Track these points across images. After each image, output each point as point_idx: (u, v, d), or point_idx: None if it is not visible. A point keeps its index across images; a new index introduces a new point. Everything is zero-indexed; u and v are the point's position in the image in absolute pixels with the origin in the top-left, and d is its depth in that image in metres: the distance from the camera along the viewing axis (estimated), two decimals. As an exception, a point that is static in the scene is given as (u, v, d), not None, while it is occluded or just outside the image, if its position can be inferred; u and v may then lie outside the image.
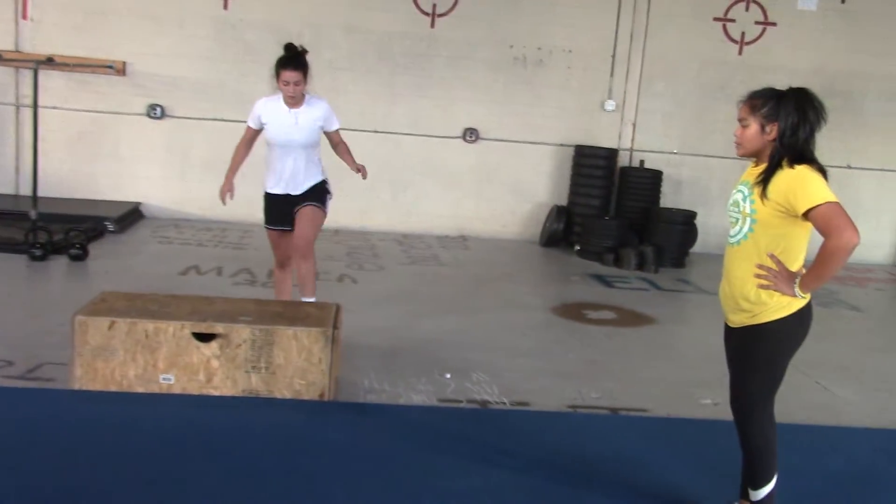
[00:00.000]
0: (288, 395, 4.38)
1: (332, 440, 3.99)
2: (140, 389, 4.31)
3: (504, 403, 4.68)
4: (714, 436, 4.40)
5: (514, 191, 9.66)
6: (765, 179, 3.04)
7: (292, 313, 4.61)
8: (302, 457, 3.77)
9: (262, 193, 5.39)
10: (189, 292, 5.54)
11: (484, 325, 6.18)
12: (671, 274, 8.61)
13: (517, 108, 9.47)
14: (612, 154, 9.41)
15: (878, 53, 9.65)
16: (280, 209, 5.32)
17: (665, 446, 4.23)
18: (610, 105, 9.57)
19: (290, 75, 5.06)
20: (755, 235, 3.11)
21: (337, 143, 5.46)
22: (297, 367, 4.36)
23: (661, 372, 5.48)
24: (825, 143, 10.47)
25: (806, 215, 2.96)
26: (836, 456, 4.29)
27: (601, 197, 9.38)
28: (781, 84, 10.20)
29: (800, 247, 3.13)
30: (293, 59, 5.08)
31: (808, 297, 3.13)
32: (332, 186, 5.52)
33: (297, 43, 5.19)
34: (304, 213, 5.28)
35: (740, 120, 3.20)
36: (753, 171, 3.18)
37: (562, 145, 9.60)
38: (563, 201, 9.58)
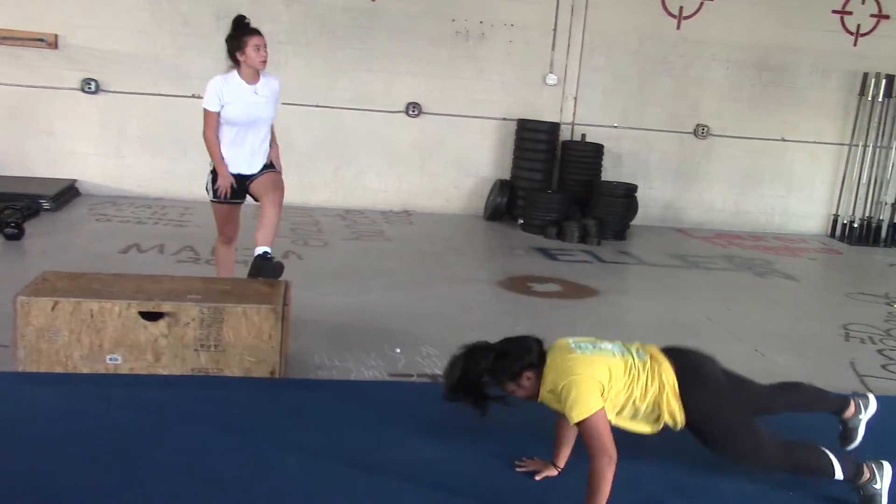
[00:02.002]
0: (238, 372, 4.35)
1: (284, 417, 3.99)
2: (86, 370, 4.24)
3: (454, 376, 4.71)
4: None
5: (457, 165, 9.67)
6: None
7: (241, 291, 4.58)
8: (255, 434, 3.76)
9: (210, 169, 5.26)
10: (131, 271, 5.45)
11: (431, 299, 6.21)
12: (613, 246, 8.74)
13: (460, 83, 9.46)
14: (553, 128, 9.48)
15: (810, 28, 9.86)
16: (242, 186, 5.26)
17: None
18: (551, 79, 9.62)
19: (259, 40, 5.00)
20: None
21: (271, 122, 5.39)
22: (246, 345, 4.33)
23: (606, 342, 5.57)
24: (761, 116, 10.75)
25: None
26: (776, 420, 4.41)
27: (544, 171, 9.45)
28: (718, 57, 10.26)
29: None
30: (254, 27, 5.04)
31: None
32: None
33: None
34: (266, 174, 5.25)
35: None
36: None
37: (504, 119, 9.63)
38: (507, 175, 9.63)
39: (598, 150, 9.52)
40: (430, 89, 9.45)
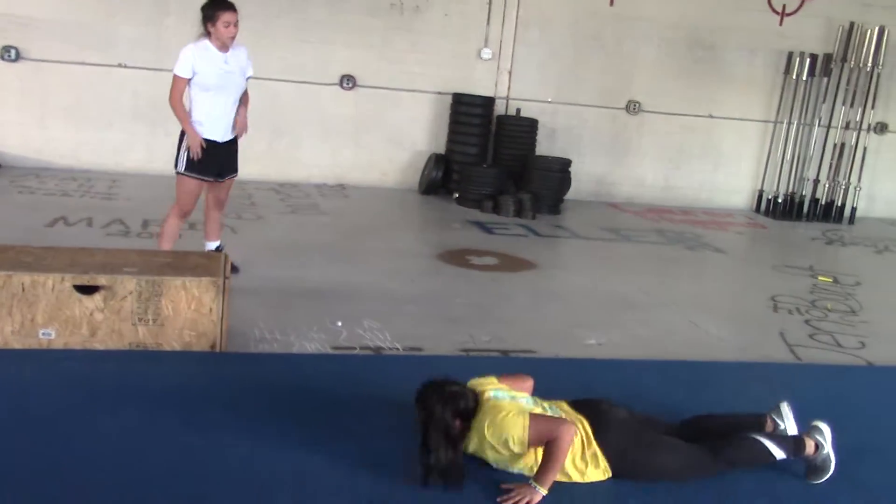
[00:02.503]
0: (178, 347, 4.27)
1: (227, 391, 3.92)
2: (17, 346, 4.10)
3: (397, 349, 4.71)
4: (600, 372, 4.57)
5: (392, 139, 9.61)
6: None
7: (180, 263, 4.47)
8: (197, 409, 3.69)
9: (179, 141, 5.26)
10: (60, 244, 5.27)
11: (371, 273, 6.17)
12: (548, 220, 8.81)
13: (395, 55, 9.38)
14: (489, 102, 9.48)
15: (739, 7, 10.05)
16: (215, 157, 5.29)
17: (555, 384, 4.35)
18: (486, 53, 9.60)
19: (231, 16, 5.04)
20: None
21: (243, 90, 5.41)
22: (186, 319, 4.25)
23: (545, 315, 5.63)
24: (691, 93, 10.91)
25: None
26: (713, 388, 4.52)
27: (479, 145, 9.45)
28: (650, 35, 10.34)
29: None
30: (230, 1, 5.05)
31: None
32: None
33: None
34: (229, 182, 5.61)
35: None
36: None
37: (439, 93, 9.59)
38: (442, 149, 9.61)
39: (532, 124, 9.57)
40: (365, 62, 9.34)
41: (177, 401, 3.75)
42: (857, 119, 10.41)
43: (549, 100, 9.88)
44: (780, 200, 10.44)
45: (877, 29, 10.09)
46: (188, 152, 5.21)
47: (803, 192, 10.51)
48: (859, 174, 10.54)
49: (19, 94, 8.69)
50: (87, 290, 4.13)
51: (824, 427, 3.52)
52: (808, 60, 10.08)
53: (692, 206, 10.36)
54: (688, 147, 10.39)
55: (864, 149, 10.50)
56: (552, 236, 8.17)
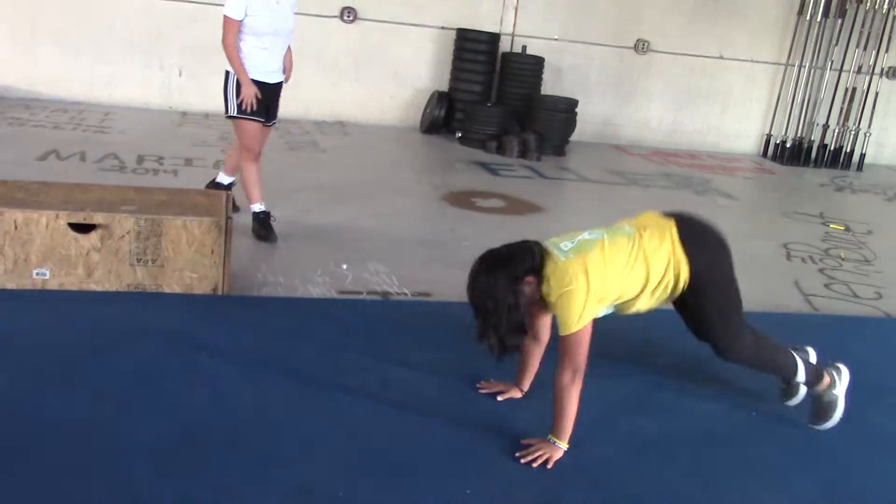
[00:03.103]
0: (178, 289, 4.09)
1: (230, 336, 3.76)
2: (11, 286, 3.92)
3: (405, 294, 4.54)
4: (623, 323, 4.40)
5: (394, 75, 9.32)
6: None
7: (179, 201, 4.27)
8: (200, 355, 3.53)
9: (229, 81, 4.92)
10: (53, 179, 5.06)
11: (375, 213, 5.97)
12: (553, 162, 8.60)
13: (398, -13, 9.06)
14: (494, 39, 9.18)
15: (753, -57, 9.73)
16: (264, 99, 5.00)
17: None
18: (493, -13, 9.29)
19: None
20: None
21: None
22: (187, 260, 4.06)
23: (555, 260, 5.46)
24: (701, 33, 10.64)
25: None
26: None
27: (483, 83, 9.18)
28: None
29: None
30: None
31: None
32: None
33: None
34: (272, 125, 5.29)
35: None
36: None
37: (443, 28, 9.28)
38: (444, 87, 9.34)
39: (538, 63, 9.29)
40: (371, -8, 9.03)
41: (178, 345, 3.59)
42: (870, 63, 10.15)
43: (556, 37, 9.59)
44: (788, 145, 10.23)
45: (895, -32, 9.79)
46: (238, 96, 4.88)
47: (812, 138, 10.31)
48: (870, 120, 10.32)
49: (7, 21, 8.36)
50: (83, 228, 3.94)
51: (844, 368, 3.42)
52: (822, 0, 9.78)
53: (698, 150, 10.15)
54: (696, 89, 10.14)
55: (876, 94, 10.26)
56: (558, 179, 7.96)
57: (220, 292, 4.14)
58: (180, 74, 8.78)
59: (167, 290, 4.08)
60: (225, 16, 4.73)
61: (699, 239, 3.23)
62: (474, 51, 9.08)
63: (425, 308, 4.38)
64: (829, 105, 10.27)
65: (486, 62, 9.15)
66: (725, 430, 3.41)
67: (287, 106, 9.05)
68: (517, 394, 3.42)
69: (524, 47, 9.37)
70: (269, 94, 5.03)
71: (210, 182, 5.53)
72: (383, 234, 5.52)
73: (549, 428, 3.01)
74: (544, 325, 3.31)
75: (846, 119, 10.29)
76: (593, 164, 8.69)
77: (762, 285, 5.47)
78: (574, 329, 2.91)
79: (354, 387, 3.39)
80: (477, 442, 3.09)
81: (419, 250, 5.30)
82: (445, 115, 9.15)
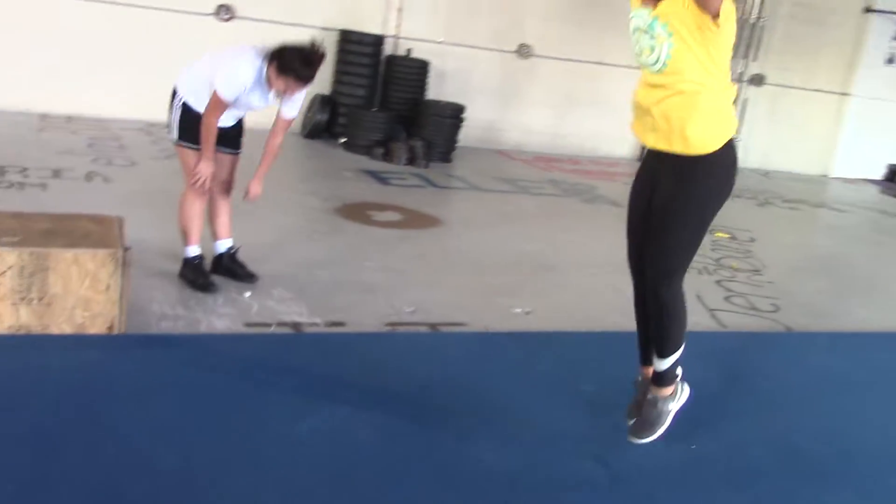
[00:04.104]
0: (68, 330, 3.67)
1: (132, 381, 3.39)
2: None
3: (318, 324, 4.27)
4: (534, 348, 4.31)
5: (273, 77, 8.91)
6: None
7: (68, 230, 3.83)
8: (100, 403, 3.17)
9: (183, 110, 4.40)
10: None
11: (268, 230, 5.63)
12: (441, 169, 8.44)
13: (277, -15, 8.67)
14: (378, 41, 8.94)
15: (631, -49, 9.84)
16: (226, 133, 4.46)
17: (494, 362, 4.06)
18: (376, -13, 9.03)
19: (299, 88, 4.31)
20: (678, 51, 2.92)
21: (281, 130, 4.60)
22: (79, 297, 3.65)
23: (464, 279, 5.29)
24: (582, 39, 10.69)
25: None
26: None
27: (367, 87, 8.93)
28: None
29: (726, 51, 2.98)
30: (313, 76, 4.26)
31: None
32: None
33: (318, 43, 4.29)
34: (234, 158, 4.67)
35: None
36: None
37: (325, 29, 8.94)
38: (327, 90, 9.02)
39: (423, 66, 9.11)
40: (245, -9, 8.59)
41: (70, 395, 3.20)
42: (739, 70, 10.50)
43: (440, 40, 9.42)
44: (664, 150, 10.45)
45: (762, -19, 10.16)
46: (185, 134, 4.39)
47: (686, 143, 10.57)
48: (740, 126, 10.68)
49: None
50: (-44, 264, 3.47)
51: (687, 388, 3.34)
52: (697, 10, 10.03)
53: (579, 155, 10.23)
54: (577, 94, 10.21)
55: (745, 100, 10.63)
56: (450, 188, 7.81)
57: (116, 331, 3.74)
58: (41, 72, 8.09)
59: (56, 331, 3.65)
60: (217, 91, 4.17)
61: None
62: (358, 53, 8.80)
63: (343, 341, 4.12)
64: (701, 111, 10.55)
65: (370, 65, 8.89)
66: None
67: (159, 108, 8.56)
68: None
69: (409, 50, 9.17)
70: (226, 131, 4.52)
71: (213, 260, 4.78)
72: (281, 254, 5.20)
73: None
74: None
75: (717, 125, 10.60)
76: (481, 171, 8.58)
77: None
78: None
79: (281, 433, 3.11)
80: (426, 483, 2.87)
81: (323, 273, 5.02)
82: (328, 120, 8.83)
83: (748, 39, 10.40)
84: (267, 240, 5.42)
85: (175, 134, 4.44)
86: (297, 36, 8.67)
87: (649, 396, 3.30)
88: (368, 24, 9.04)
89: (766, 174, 11.04)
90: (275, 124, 4.58)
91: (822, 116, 11.55)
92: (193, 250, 4.56)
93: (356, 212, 6.40)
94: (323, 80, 9.03)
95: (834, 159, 11.75)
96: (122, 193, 5.96)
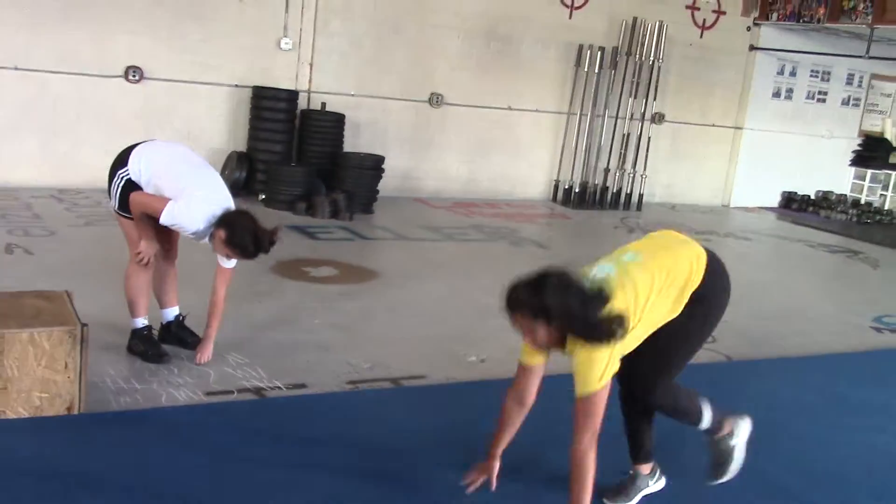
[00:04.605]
0: (25, 413, 3.50)
1: (97, 466, 3.24)
2: None
3: (280, 388, 4.18)
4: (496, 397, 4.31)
5: (187, 137, 8.69)
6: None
7: (16, 309, 3.66)
8: (65, 493, 3.00)
9: (126, 184, 4.21)
10: None
11: (206, 292, 5.45)
12: (365, 220, 8.43)
13: (186, 44, 8.54)
14: (292, 96, 8.90)
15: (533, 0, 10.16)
16: None
17: (466, 412, 4.05)
18: (286, 44, 9.00)
19: (241, 259, 4.23)
20: None
21: (225, 282, 4.43)
22: (35, 379, 3.48)
23: (413, 331, 5.28)
24: (491, 86, 10.90)
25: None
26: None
27: (283, 142, 8.86)
28: (450, 26, 10.25)
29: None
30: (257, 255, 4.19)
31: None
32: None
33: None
34: None
35: (523, 334, 2.94)
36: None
37: (237, 86, 8.88)
38: (243, 147, 8.91)
39: (339, 119, 9.11)
40: (153, 52, 8.43)
41: (30, 484, 3.03)
42: (641, 110, 10.90)
43: (353, 93, 9.46)
44: (577, 190, 10.73)
45: (657, 23, 10.60)
46: (123, 193, 4.21)
47: (596, 182, 10.88)
48: (645, 162, 11.06)
49: None
50: None
51: (744, 420, 3.46)
52: (598, 53, 10.40)
53: (495, 199, 10.38)
54: (489, 139, 10.38)
55: (649, 139, 11.03)
56: (377, 239, 7.81)
57: (76, 411, 3.58)
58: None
59: (12, 415, 3.46)
60: (158, 209, 4.04)
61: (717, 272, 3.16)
62: (273, 109, 8.75)
63: (308, 403, 4.05)
64: (608, 150, 10.90)
65: (285, 120, 8.84)
66: None
67: (69, 174, 8.35)
68: (496, 464, 3.22)
69: (323, 104, 9.17)
70: None
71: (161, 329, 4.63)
72: (228, 319, 4.97)
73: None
74: (532, 386, 3.11)
75: (623, 162, 10.97)
76: (404, 221, 8.60)
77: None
78: (589, 391, 2.78)
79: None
80: None
81: (273, 334, 4.93)
82: (246, 177, 8.72)
83: (648, 80, 10.81)
84: (203, 304, 5.26)
85: (115, 204, 4.30)
86: (212, 94, 8.69)
87: (709, 441, 3.40)
88: (281, 80, 9.00)
89: (672, 207, 11.43)
90: (218, 275, 4.41)
91: (719, 150, 12.06)
92: (142, 321, 4.41)
93: (292, 269, 6.32)
94: (238, 138, 8.95)
95: (732, 190, 12.26)
96: (48, 264, 5.73)
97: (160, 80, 8.51)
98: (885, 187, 13.03)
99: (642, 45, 10.66)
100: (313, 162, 8.85)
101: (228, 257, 4.24)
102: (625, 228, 9.73)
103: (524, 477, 3.44)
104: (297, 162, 8.92)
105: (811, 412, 4.56)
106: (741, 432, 3.46)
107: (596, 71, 10.49)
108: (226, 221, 4.10)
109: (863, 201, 12.78)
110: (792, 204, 12.53)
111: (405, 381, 4.45)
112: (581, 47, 10.45)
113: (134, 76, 8.39)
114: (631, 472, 3.44)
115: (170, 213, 4.01)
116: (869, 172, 12.96)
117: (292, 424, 3.75)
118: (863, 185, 13.00)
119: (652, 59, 10.72)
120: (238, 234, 4.06)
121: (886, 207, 12.77)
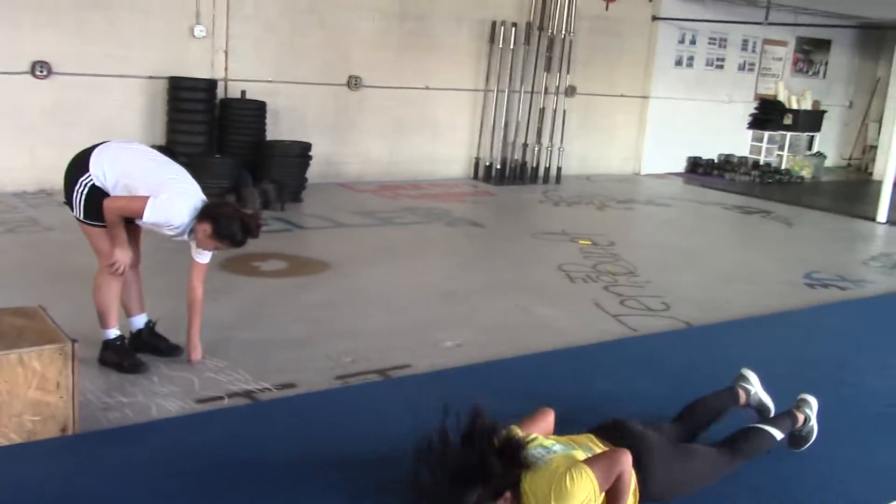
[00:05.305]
0: (17, 439, 3.31)
1: (97, 488, 3.08)
2: None
3: (270, 390, 4.08)
4: (496, 378, 4.33)
5: (102, 133, 8.09)
6: None
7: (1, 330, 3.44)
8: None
9: (90, 190, 4.01)
10: None
11: (160, 296, 5.23)
12: (297, 210, 8.27)
13: (95, 36, 8.13)
14: (211, 86, 8.62)
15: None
16: None
17: (460, 399, 4.03)
18: (199, 31, 8.70)
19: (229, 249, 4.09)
20: None
21: (201, 277, 4.30)
22: (27, 402, 3.29)
23: (381, 320, 5.24)
24: (407, 67, 10.84)
25: None
26: (602, 374, 4.49)
27: (205, 133, 8.57)
28: (363, 7, 10.06)
29: None
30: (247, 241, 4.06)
31: None
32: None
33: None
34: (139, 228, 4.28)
35: None
36: None
37: (151, 78, 8.53)
38: (162, 140, 8.58)
39: (261, 107, 8.88)
40: (60, 45, 8.00)
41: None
42: (556, 84, 11.04)
43: (270, 79, 9.23)
44: (499, 166, 10.80)
45: (567, -1, 10.74)
46: (90, 212, 4.03)
47: (515, 157, 10.98)
48: (561, 136, 11.22)
49: None
50: None
51: (811, 399, 3.62)
52: (513, 29, 10.46)
53: (417, 179, 10.34)
54: (408, 120, 10.32)
55: (564, 112, 11.18)
56: (315, 228, 7.67)
57: (70, 432, 3.40)
58: None
59: (4, 441, 3.27)
60: (139, 208, 3.89)
61: (653, 459, 3.07)
62: (192, 100, 8.45)
63: (302, 404, 3.96)
64: (525, 125, 11.00)
65: (205, 111, 8.56)
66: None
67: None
68: None
69: (243, 92, 8.91)
70: None
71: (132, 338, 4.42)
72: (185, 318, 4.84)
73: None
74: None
75: (540, 137, 11.09)
76: (336, 207, 8.48)
77: (573, 312, 5.69)
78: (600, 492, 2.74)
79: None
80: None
81: (242, 334, 4.80)
82: (168, 171, 8.41)
83: (560, 54, 10.95)
84: (165, 306, 5.05)
85: (80, 213, 4.08)
86: (125, 87, 8.32)
87: (792, 432, 3.56)
88: (196, 69, 8.70)
89: (588, 178, 11.64)
90: (193, 270, 4.28)
91: (628, 119, 12.34)
92: (114, 332, 4.23)
93: (240, 265, 6.15)
94: (157, 131, 8.62)
95: (642, 158, 12.58)
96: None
97: (70, 75, 8.10)
98: (781, 148, 13.61)
99: (553, 19, 10.77)
100: (237, 152, 8.60)
101: (216, 249, 4.11)
102: (549, 202, 9.86)
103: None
104: (221, 153, 8.66)
105: (774, 371, 4.74)
106: (813, 413, 3.61)
107: (511, 47, 10.54)
108: (208, 213, 3.99)
109: (762, 162, 13.32)
110: (698, 168, 12.96)
111: (392, 371, 4.41)
112: (494, 24, 10.49)
113: (41, 71, 7.95)
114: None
115: (153, 210, 3.86)
116: (766, 134, 13.50)
117: (295, 426, 3.67)
118: (761, 147, 13.53)
119: (563, 33, 10.85)
120: (224, 224, 3.96)
121: (784, 167, 13.35)
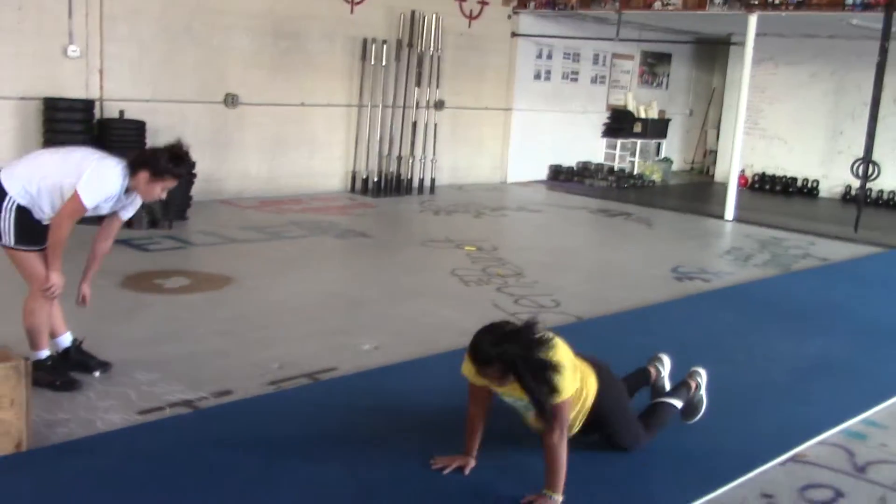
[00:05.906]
0: (-26, 457, 3.35)
1: (67, 499, 3.19)
2: None
3: (207, 398, 4.24)
4: (426, 376, 4.64)
5: (-26, 156, 8.14)
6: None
7: (-57, 352, 3.47)
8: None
9: (17, 213, 4.00)
10: None
11: (72, 322, 5.21)
12: (184, 227, 8.30)
13: (-38, 57, 7.94)
14: (88, 106, 8.52)
15: (316, -5, 10.39)
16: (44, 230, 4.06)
17: (392, 397, 4.33)
18: (73, 51, 8.58)
19: (173, 185, 4.07)
20: None
21: (113, 232, 4.37)
22: (-19, 420, 3.35)
23: (297, 328, 5.45)
24: (283, 83, 11.04)
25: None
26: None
27: (83, 154, 8.46)
28: (238, 25, 10.38)
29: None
30: (186, 170, 4.18)
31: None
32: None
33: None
34: None
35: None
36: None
37: (23, 99, 8.36)
38: (38, 163, 8.41)
39: (140, 127, 8.81)
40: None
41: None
42: (426, 98, 11.46)
43: (147, 98, 9.20)
44: (375, 179, 11.10)
45: (433, 16, 11.16)
46: (20, 238, 4.04)
47: (390, 169, 11.30)
48: (433, 148, 11.63)
49: None
50: None
51: (702, 370, 4.10)
52: (385, 46, 10.80)
53: (296, 194, 10.51)
54: (285, 136, 10.48)
55: (435, 125, 11.61)
56: (208, 244, 7.73)
57: (24, 448, 3.48)
58: None
59: (-41, 462, 3.32)
60: (80, 198, 3.94)
61: (612, 396, 3.67)
62: (69, 120, 8.32)
63: (246, 409, 4.14)
64: (399, 139, 11.35)
65: (83, 132, 8.40)
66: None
67: None
68: (472, 461, 3.51)
69: (122, 112, 8.84)
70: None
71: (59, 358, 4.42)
72: (109, 341, 4.86)
73: (542, 484, 3.20)
74: (486, 401, 3.48)
75: (414, 149, 11.48)
76: (222, 224, 8.56)
77: (477, 316, 5.99)
78: (564, 397, 3.17)
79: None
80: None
81: (164, 349, 4.91)
82: (47, 194, 8.25)
83: (429, 70, 11.38)
84: (83, 325, 5.06)
85: (11, 240, 4.09)
86: None
87: (685, 400, 4.00)
88: (70, 89, 8.58)
89: (460, 188, 12.11)
90: (108, 226, 4.39)
91: (493, 131, 12.90)
92: (45, 353, 4.29)
93: (143, 283, 6.21)
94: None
95: (508, 167, 13.17)
96: None
97: (-63, 98, 7.86)
98: (633, 154, 14.54)
99: (421, 36, 11.19)
100: (118, 172, 8.53)
101: (164, 191, 4.16)
102: (429, 211, 10.24)
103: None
104: (101, 173, 8.55)
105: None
106: (703, 381, 4.09)
107: (383, 64, 10.88)
108: (139, 161, 4.11)
109: (616, 168, 14.19)
110: (559, 175, 13.67)
111: (320, 374, 4.64)
112: (365, 41, 10.80)
113: None
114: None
115: (87, 189, 3.96)
116: (619, 142, 14.38)
117: (242, 429, 3.85)
118: (615, 154, 14.41)
119: (431, 49, 11.28)
120: (160, 162, 4.06)
121: (636, 172, 14.28)
